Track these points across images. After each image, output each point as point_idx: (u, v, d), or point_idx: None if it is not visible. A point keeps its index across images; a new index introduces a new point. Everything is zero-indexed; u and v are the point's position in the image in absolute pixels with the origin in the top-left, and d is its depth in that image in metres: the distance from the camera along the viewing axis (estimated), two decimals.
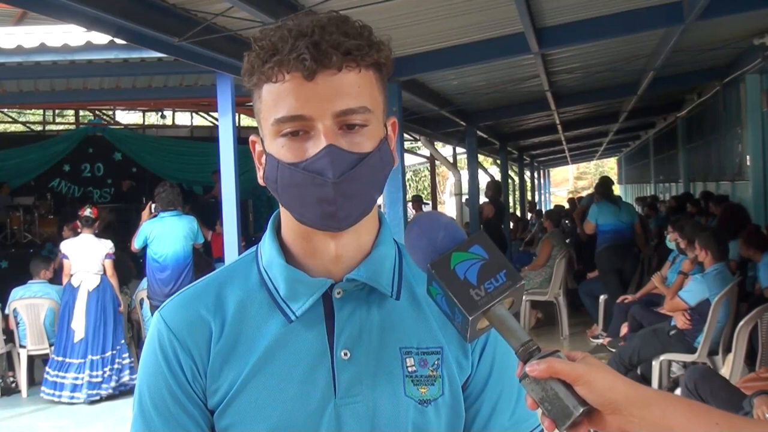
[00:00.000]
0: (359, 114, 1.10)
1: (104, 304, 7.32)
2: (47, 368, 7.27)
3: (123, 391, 7.28)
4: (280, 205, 1.20)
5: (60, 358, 7.19)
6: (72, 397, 7.15)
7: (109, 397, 7.23)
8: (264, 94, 1.12)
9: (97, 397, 7.17)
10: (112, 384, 7.18)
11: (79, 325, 7.17)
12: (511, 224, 16.67)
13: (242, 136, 7.64)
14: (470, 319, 1.01)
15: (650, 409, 0.98)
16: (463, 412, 1.22)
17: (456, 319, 1.04)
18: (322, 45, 1.07)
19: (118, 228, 11.17)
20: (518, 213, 20.40)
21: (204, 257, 8.07)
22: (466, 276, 1.03)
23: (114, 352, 7.34)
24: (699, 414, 0.99)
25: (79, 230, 7.50)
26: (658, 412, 0.98)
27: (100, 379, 7.19)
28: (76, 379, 7.15)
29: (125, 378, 7.30)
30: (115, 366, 7.25)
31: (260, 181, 1.20)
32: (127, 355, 7.41)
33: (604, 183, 9.53)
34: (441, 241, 1.07)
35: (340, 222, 1.12)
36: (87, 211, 7.44)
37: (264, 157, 1.17)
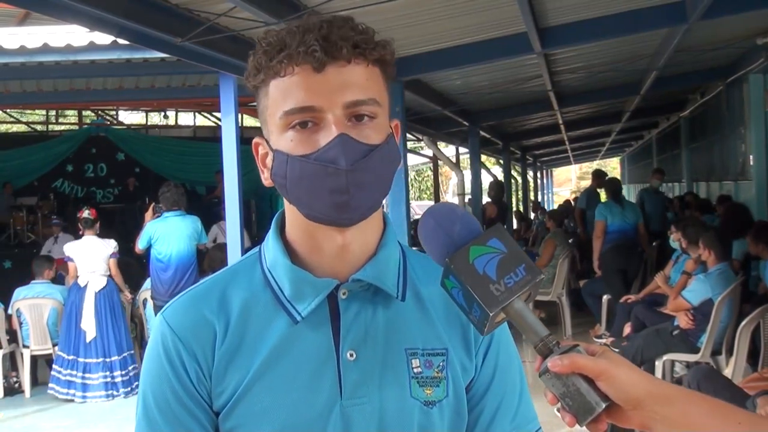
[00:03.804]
0: (368, 105, 1.11)
1: (113, 305, 7.35)
2: (57, 366, 7.29)
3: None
4: (286, 204, 1.20)
5: (72, 357, 7.22)
6: (84, 398, 7.19)
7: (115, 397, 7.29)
8: (271, 90, 1.12)
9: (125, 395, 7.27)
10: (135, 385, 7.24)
11: (89, 326, 7.20)
12: (515, 223, 16.67)
13: (245, 136, 7.59)
14: (491, 315, 1.00)
15: (673, 407, 0.97)
16: (466, 414, 1.22)
17: (474, 314, 1.03)
18: (331, 37, 1.09)
19: (121, 229, 11.19)
20: (521, 210, 20.35)
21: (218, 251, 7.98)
22: (485, 270, 1.02)
23: (133, 352, 7.44)
24: (721, 413, 0.99)
25: (81, 233, 7.52)
26: (681, 409, 0.98)
27: (128, 377, 7.27)
28: (94, 379, 7.19)
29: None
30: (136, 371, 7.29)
31: (265, 183, 1.19)
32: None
33: (615, 184, 9.54)
34: (458, 233, 1.06)
35: (352, 212, 1.11)
36: (85, 213, 7.46)
37: (269, 156, 1.16)
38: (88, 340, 7.20)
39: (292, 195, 1.14)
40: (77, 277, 7.34)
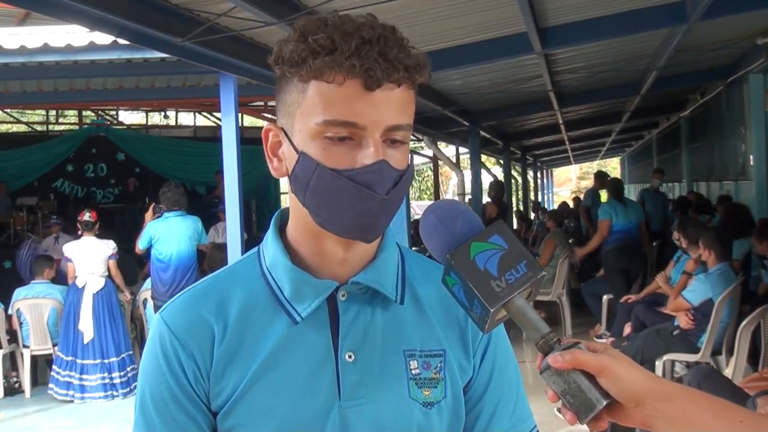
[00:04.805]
0: (404, 131, 1.11)
1: (111, 306, 7.35)
2: (56, 367, 7.30)
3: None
4: (293, 204, 1.18)
5: (70, 358, 7.22)
6: (83, 398, 7.20)
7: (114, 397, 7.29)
8: (311, 91, 1.08)
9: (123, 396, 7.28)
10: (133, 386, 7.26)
11: (86, 327, 7.20)
12: (515, 223, 16.67)
13: (245, 137, 7.63)
14: (491, 311, 1.00)
15: (674, 404, 0.97)
16: (463, 414, 1.22)
17: (474, 310, 1.03)
18: (389, 56, 1.06)
19: (121, 229, 11.19)
20: (521, 210, 20.36)
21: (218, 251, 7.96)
22: (486, 267, 1.02)
23: (132, 353, 7.45)
24: (723, 411, 0.98)
25: (80, 233, 7.52)
26: (682, 407, 0.97)
27: (126, 378, 7.28)
28: (92, 380, 7.19)
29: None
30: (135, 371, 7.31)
31: (274, 173, 1.18)
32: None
33: (617, 184, 9.55)
34: (459, 229, 1.06)
35: (373, 234, 1.12)
36: (86, 215, 7.47)
37: (284, 149, 1.15)
38: (85, 342, 7.21)
39: (310, 202, 1.12)
40: (75, 277, 7.34)
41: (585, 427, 1.01)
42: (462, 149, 17.91)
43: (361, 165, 1.07)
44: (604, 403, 0.97)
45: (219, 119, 14.00)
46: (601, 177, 11.86)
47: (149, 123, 18.07)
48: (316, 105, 1.08)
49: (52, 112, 18.26)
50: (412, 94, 1.12)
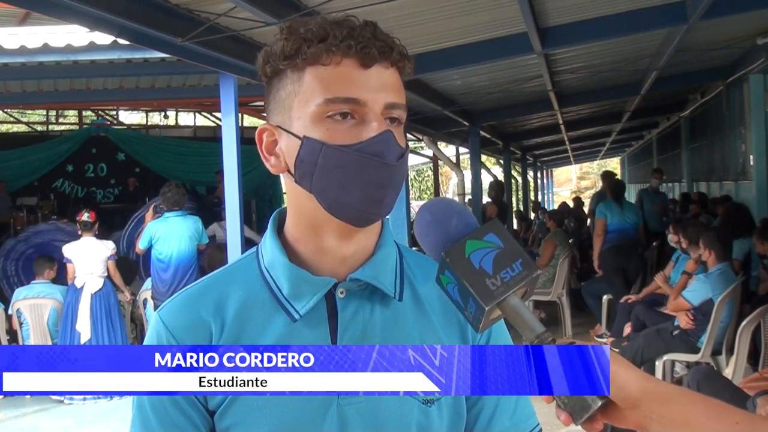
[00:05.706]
0: (401, 110, 1.14)
1: (109, 307, 7.34)
2: None
3: None
4: (292, 200, 1.19)
5: None
6: (74, 399, 7.18)
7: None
8: (307, 77, 1.11)
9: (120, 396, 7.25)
10: None
11: (84, 327, 7.19)
12: (515, 223, 16.67)
13: (245, 137, 7.62)
14: (486, 309, 0.99)
15: (670, 406, 0.96)
16: (464, 411, 1.22)
17: (469, 309, 1.02)
18: (380, 38, 1.11)
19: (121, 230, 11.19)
20: (521, 210, 20.35)
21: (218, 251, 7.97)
22: (481, 265, 1.01)
23: None
24: (719, 412, 0.97)
25: (79, 233, 7.52)
26: (678, 408, 0.96)
27: None
28: None
29: None
30: None
31: (272, 170, 1.19)
32: None
33: (618, 184, 9.55)
34: (454, 228, 1.05)
35: (383, 209, 1.12)
36: (85, 216, 7.45)
37: (282, 144, 1.15)
38: (81, 342, 7.19)
39: (316, 185, 1.12)
40: (75, 278, 7.34)
41: (582, 430, 1.00)
42: (462, 149, 17.92)
43: (368, 137, 1.09)
44: (599, 403, 0.96)
45: (219, 119, 14.00)
46: (607, 177, 11.75)
47: (149, 123, 18.06)
48: (314, 88, 1.11)
49: (52, 112, 18.26)
50: (401, 79, 1.16)
